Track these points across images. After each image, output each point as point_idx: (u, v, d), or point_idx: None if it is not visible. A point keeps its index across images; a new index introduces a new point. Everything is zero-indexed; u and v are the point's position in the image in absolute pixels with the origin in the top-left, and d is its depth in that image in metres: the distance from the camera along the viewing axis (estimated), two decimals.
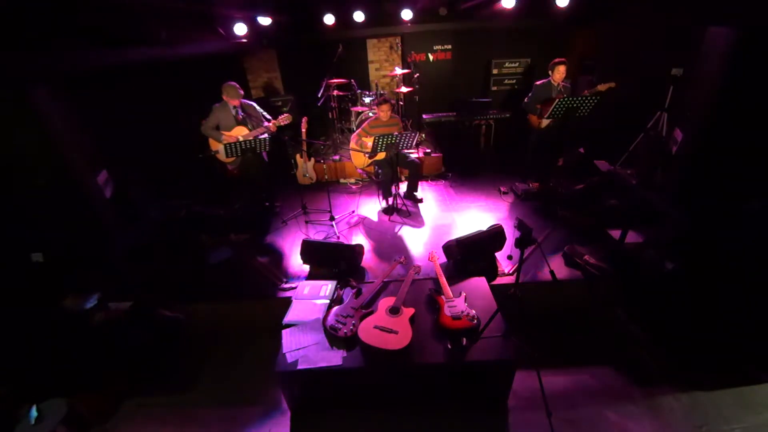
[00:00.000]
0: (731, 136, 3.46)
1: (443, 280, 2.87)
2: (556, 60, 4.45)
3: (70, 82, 3.46)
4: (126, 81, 4.23)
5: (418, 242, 4.08)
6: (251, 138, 3.95)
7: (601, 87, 4.26)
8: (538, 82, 4.63)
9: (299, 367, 2.39)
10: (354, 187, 5.59)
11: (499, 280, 3.37)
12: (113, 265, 3.64)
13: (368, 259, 3.76)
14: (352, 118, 6.10)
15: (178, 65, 4.57)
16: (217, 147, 4.19)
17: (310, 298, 2.97)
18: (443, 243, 3.58)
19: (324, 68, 5.69)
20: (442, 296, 2.75)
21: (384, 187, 4.71)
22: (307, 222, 4.47)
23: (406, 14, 5.32)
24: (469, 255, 3.39)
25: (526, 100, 4.74)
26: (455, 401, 2.59)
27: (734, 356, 2.83)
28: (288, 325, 2.71)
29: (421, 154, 5.60)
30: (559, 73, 4.43)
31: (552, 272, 2.47)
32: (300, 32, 5.78)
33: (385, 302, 2.70)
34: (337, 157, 5.76)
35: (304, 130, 4.76)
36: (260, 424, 2.61)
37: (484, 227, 3.60)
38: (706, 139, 3.66)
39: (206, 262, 3.89)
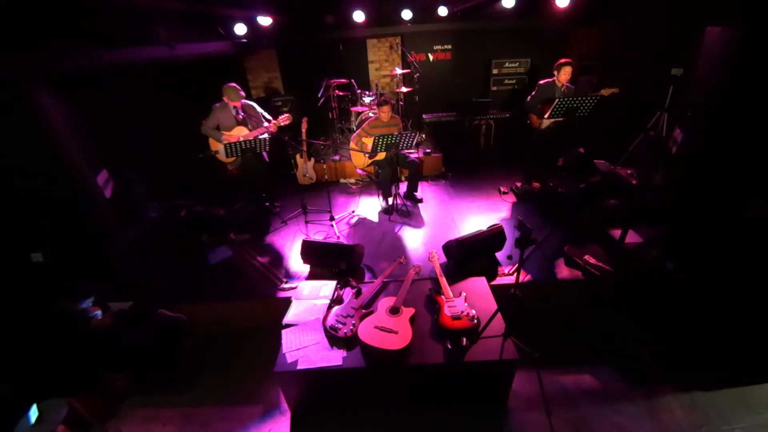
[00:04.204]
0: (731, 136, 3.45)
1: (443, 280, 2.87)
2: (562, 60, 4.33)
3: (70, 82, 3.46)
4: (126, 81, 4.23)
5: (418, 242, 4.08)
6: (251, 138, 3.95)
7: (605, 92, 4.16)
8: (541, 82, 4.55)
9: (299, 367, 2.39)
10: (354, 187, 5.59)
11: (499, 280, 3.37)
12: (113, 265, 3.64)
13: (368, 259, 3.76)
14: (352, 118, 6.10)
15: (179, 65, 4.57)
16: (217, 147, 4.19)
17: (310, 298, 2.97)
18: (443, 243, 3.58)
19: (324, 68, 5.69)
20: (442, 296, 2.74)
21: (384, 187, 4.71)
22: (307, 222, 4.47)
23: (406, 14, 5.32)
24: (469, 255, 3.39)
25: (528, 99, 4.66)
26: (455, 401, 2.59)
27: (734, 356, 2.83)
28: (288, 325, 2.71)
29: (421, 154, 5.60)
30: (565, 73, 4.33)
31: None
32: (300, 32, 5.78)
33: (385, 302, 2.70)
34: (337, 157, 5.76)
35: (304, 130, 4.76)
36: (260, 424, 2.61)
37: (484, 227, 3.60)
38: (706, 139, 3.66)
39: (206, 262, 3.89)
